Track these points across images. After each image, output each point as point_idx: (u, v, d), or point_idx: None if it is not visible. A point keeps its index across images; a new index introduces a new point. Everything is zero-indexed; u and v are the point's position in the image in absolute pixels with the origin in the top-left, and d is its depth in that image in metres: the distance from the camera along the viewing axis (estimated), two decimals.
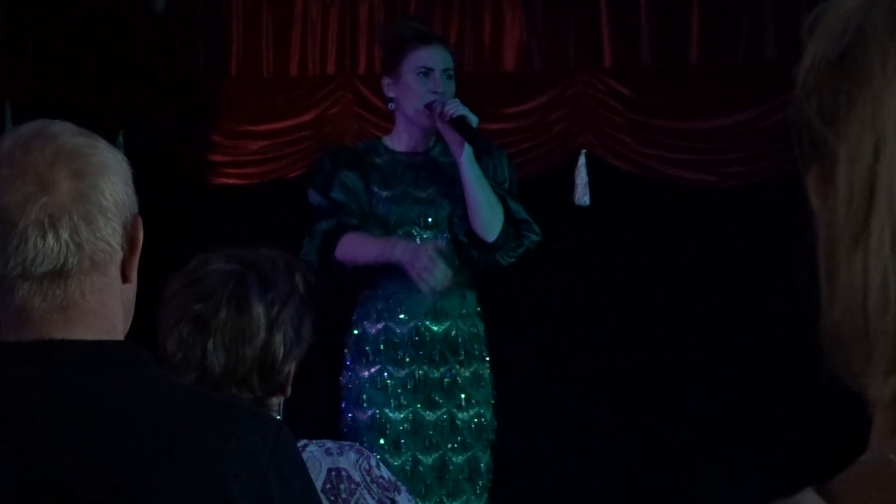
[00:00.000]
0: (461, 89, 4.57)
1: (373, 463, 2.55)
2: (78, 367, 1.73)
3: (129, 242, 1.79)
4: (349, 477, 2.50)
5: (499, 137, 5.71)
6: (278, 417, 2.39)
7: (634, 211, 6.21)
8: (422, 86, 4.43)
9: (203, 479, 1.69)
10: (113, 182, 1.76)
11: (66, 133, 1.77)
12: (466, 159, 4.35)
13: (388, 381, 4.40)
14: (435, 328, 4.43)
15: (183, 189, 6.35)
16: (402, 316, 4.42)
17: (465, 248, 4.41)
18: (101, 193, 1.74)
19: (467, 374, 4.46)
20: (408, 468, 4.36)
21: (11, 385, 1.73)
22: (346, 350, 4.49)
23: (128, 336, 1.83)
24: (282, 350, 2.43)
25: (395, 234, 4.40)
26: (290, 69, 6.44)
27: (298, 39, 6.42)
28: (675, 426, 6.06)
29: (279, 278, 2.46)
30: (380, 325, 4.43)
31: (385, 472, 2.56)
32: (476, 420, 4.46)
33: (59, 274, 1.74)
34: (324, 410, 4.55)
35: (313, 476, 2.26)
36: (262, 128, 6.41)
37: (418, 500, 4.11)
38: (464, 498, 4.43)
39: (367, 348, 4.43)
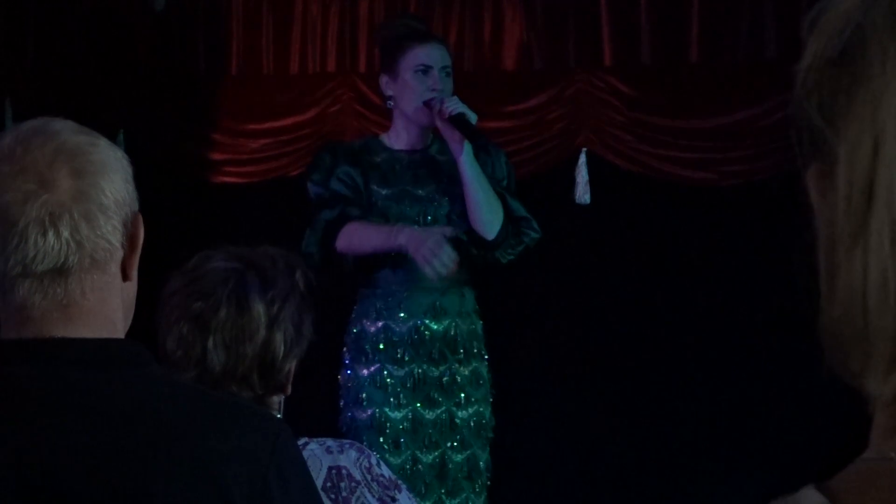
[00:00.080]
0: (461, 88, 4.57)
1: (373, 461, 2.55)
2: (78, 366, 1.73)
3: (130, 240, 1.79)
4: (350, 475, 2.50)
5: (499, 136, 5.71)
6: (279, 416, 2.39)
7: (635, 209, 6.21)
8: (420, 83, 4.43)
9: (203, 478, 1.69)
10: (113, 180, 1.76)
11: (67, 131, 1.77)
12: (466, 157, 4.35)
13: (388, 380, 4.40)
14: (434, 326, 4.43)
15: (183, 187, 6.35)
16: (401, 314, 4.41)
17: (464, 245, 4.41)
18: (101, 191, 1.74)
19: (466, 372, 4.46)
20: (407, 467, 4.36)
21: (12, 384, 1.73)
22: (344, 349, 4.49)
23: (128, 334, 1.83)
24: (282, 348, 2.43)
25: None
26: (290, 67, 6.44)
27: (298, 38, 6.42)
28: (674, 424, 6.06)
29: (279, 276, 2.46)
30: (379, 324, 4.43)
31: (385, 471, 2.56)
32: (475, 418, 4.46)
33: (60, 272, 1.73)
34: (323, 409, 4.55)
35: (314, 474, 2.26)
36: (263, 126, 6.41)
37: (418, 498, 4.11)
38: (463, 496, 4.43)
39: (366, 347, 4.43)
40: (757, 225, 5.83)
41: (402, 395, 4.39)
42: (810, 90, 0.92)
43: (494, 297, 4.93)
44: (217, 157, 6.46)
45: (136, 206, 1.80)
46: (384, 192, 4.45)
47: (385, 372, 4.40)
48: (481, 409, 4.48)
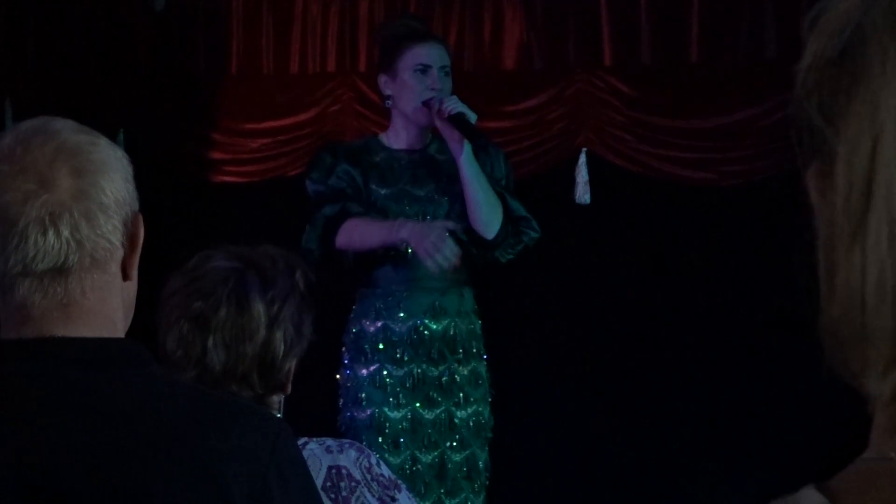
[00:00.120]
0: (462, 88, 4.57)
1: (373, 461, 2.55)
2: (78, 365, 1.73)
3: (130, 240, 1.79)
4: (349, 475, 2.50)
5: (499, 136, 5.71)
6: (279, 415, 2.39)
7: (635, 209, 6.21)
8: (419, 83, 4.43)
9: (203, 477, 1.69)
10: (113, 179, 1.76)
11: (67, 130, 1.77)
12: (466, 157, 4.35)
13: (387, 380, 4.39)
14: (434, 326, 4.43)
15: (183, 187, 6.35)
16: (401, 314, 4.41)
17: (464, 245, 4.40)
18: (101, 191, 1.74)
19: (465, 372, 4.46)
20: (407, 467, 4.36)
21: (12, 383, 1.73)
22: (343, 348, 4.49)
23: (128, 333, 1.83)
24: (282, 348, 2.43)
25: None
26: (290, 67, 6.44)
27: (298, 37, 6.42)
28: (674, 424, 6.06)
29: (279, 276, 2.46)
30: (378, 324, 4.42)
31: (385, 471, 2.56)
32: (474, 418, 4.46)
33: (60, 271, 1.73)
34: (322, 408, 4.55)
35: (313, 474, 2.26)
36: (263, 126, 6.42)
37: (417, 498, 4.11)
38: (462, 496, 4.43)
39: (365, 347, 4.42)
40: (757, 225, 5.83)
41: (401, 395, 4.39)
42: (810, 90, 0.93)
43: (495, 296, 4.93)
44: (217, 156, 6.46)
45: (136, 206, 1.80)
46: (383, 191, 4.45)
47: (384, 372, 4.40)
48: (480, 409, 4.48)
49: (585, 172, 6.11)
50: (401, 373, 4.40)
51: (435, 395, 4.42)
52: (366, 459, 2.53)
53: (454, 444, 4.42)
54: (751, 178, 6.05)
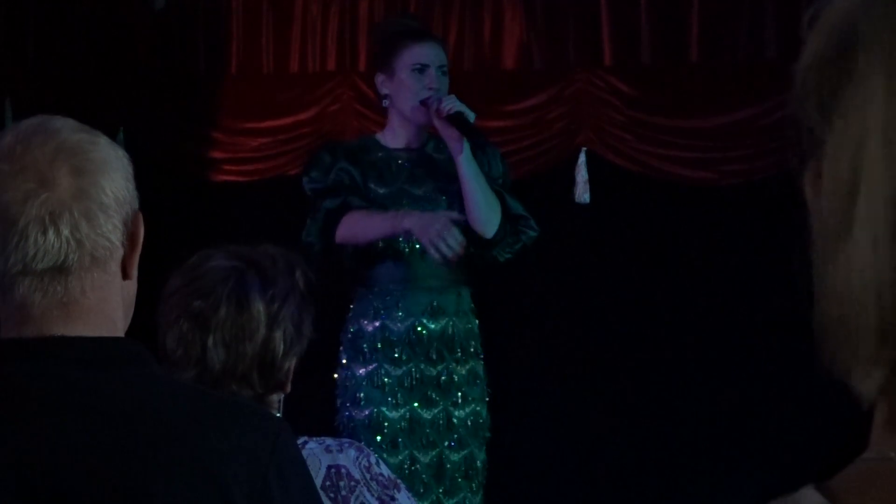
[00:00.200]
0: (462, 87, 4.58)
1: (372, 460, 2.55)
2: (78, 365, 1.73)
3: (130, 239, 1.79)
4: (349, 474, 2.50)
5: (499, 135, 5.71)
6: (278, 415, 2.39)
7: (635, 209, 6.21)
8: (417, 82, 4.43)
9: (203, 477, 1.69)
10: (114, 178, 1.76)
11: (67, 129, 1.77)
12: (465, 156, 4.35)
13: (386, 380, 4.39)
14: (432, 326, 4.43)
15: (183, 186, 6.35)
16: (399, 314, 4.41)
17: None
18: (101, 190, 1.74)
19: (463, 371, 4.46)
20: (405, 466, 4.36)
21: (12, 383, 1.72)
22: (340, 348, 4.49)
23: (128, 333, 1.83)
24: (282, 347, 2.43)
25: None
26: (290, 66, 6.44)
27: (298, 36, 6.43)
28: (674, 424, 6.06)
29: (279, 275, 2.46)
30: (377, 323, 4.42)
31: (385, 470, 2.56)
32: (472, 418, 4.46)
33: (60, 270, 1.73)
34: (322, 408, 4.55)
35: (313, 473, 2.25)
36: (263, 125, 6.42)
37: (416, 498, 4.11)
38: (461, 495, 4.43)
39: (363, 346, 4.42)
40: (757, 224, 5.83)
41: (399, 395, 4.39)
42: (805, 88, 0.93)
43: (494, 296, 4.93)
44: (217, 155, 6.46)
45: (136, 205, 1.80)
46: (382, 191, 4.45)
47: (382, 371, 4.40)
48: (478, 409, 4.48)
49: (585, 172, 6.11)
50: (399, 372, 4.40)
51: (433, 394, 4.42)
52: (365, 459, 2.53)
53: (452, 443, 4.42)
54: (751, 177, 6.05)
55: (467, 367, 4.47)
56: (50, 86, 6.27)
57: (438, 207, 4.44)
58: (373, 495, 2.50)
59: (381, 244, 4.40)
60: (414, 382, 4.40)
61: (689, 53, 6.20)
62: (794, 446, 5.54)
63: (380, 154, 4.50)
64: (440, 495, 4.41)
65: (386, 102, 4.51)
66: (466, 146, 4.35)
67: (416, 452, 4.39)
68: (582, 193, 6.08)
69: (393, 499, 2.52)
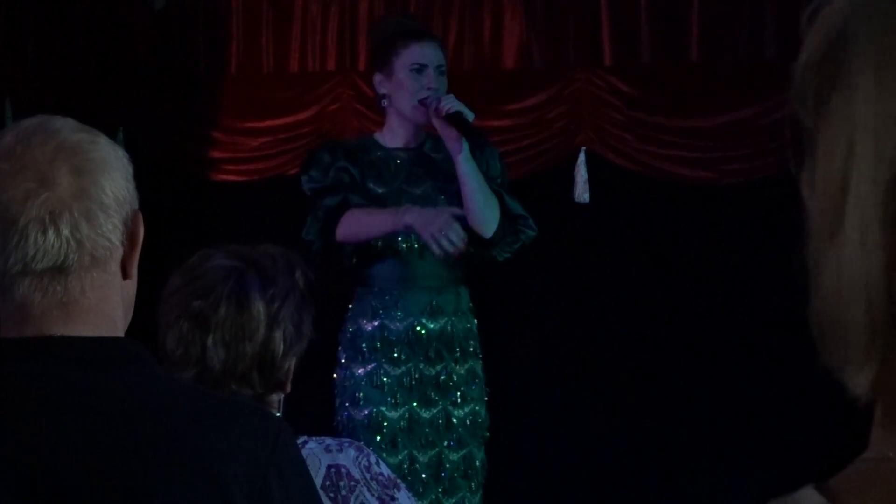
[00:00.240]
0: (462, 87, 4.58)
1: (372, 460, 2.55)
2: (78, 365, 1.73)
3: (130, 239, 1.79)
4: (349, 474, 2.50)
5: (499, 135, 5.71)
6: (278, 414, 2.39)
7: (634, 208, 6.21)
8: (415, 82, 4.43)
9: (203, 477, 1.69)
10: (113, 178, 1.76)
11: (67, 129, 1.77)
12: (464, 155, 4.34)
13: (385, 379, 4.39)
14: (431, 325, 4.43)
15: (183, 186, 6.35)
16: (398, 313, 4.41)
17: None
18: (101, 190, 1.74)
19: (462, 371, 4.46)
20: (405, 466, 4.36)
21: (12, 382, 1.72)
22: (339, 347, 4.49)
23: (128, 332, 1.83)
24: (282, 346, 2.43)
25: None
26: (289, 66, 6.44)
27: (298, 36, 6.43)
28: (674, 424, 6.06)
29: (279, 275, 2.46)
30: (376, 323, 4.42)
31: (385, 470, 2.56)
32: (471, 417, 4.46)
33: (60, 270, 1.73)
34: (321, 408, 4.55)
35: (312, 473, 2.25)
36: (262, 124, 6.42)
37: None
38: (460, 495, 4.43)
39: (362, 346, 4.42)
40: (757, 224, 5.83)
41: (398, 395, 4.39)
42: (800, 88, 0.94)
43: (493, 295, 4.93)
44: (217, 155, 6.47)
45: (136, 204, 1.80)
46: (380, 190, 4.45)
47: (381, 371, 4.40)
48: (477, 408, 4.48)
49: (585, 171, 6.11)
50: (398, 372, 4.40)
51: (432, 394, 4.41)
52: (365, 458, 2.53)
53: (451, 443, 4.42)
54: (751, 176, 6.05)
55: (466, 366, 4.47)
56: (50, 86, 6.27)
57: (437, 207, 4.44)
58: (373, 495, 2.50)
59: (379, 244, 4.40)
60: (413, 382, 4.40)
61: (689, 53, 6.20)
62: (794, 446, 5.54)
63: (378, 154, 4.50)
64: (439, 495, 4.40)
65: (384, 102, 4.51)
66: (465, 146, 4.34)
67: (415, 452, 4.39)
68: (582, 193, 6.08)
69: (393, 498, 2.52)
